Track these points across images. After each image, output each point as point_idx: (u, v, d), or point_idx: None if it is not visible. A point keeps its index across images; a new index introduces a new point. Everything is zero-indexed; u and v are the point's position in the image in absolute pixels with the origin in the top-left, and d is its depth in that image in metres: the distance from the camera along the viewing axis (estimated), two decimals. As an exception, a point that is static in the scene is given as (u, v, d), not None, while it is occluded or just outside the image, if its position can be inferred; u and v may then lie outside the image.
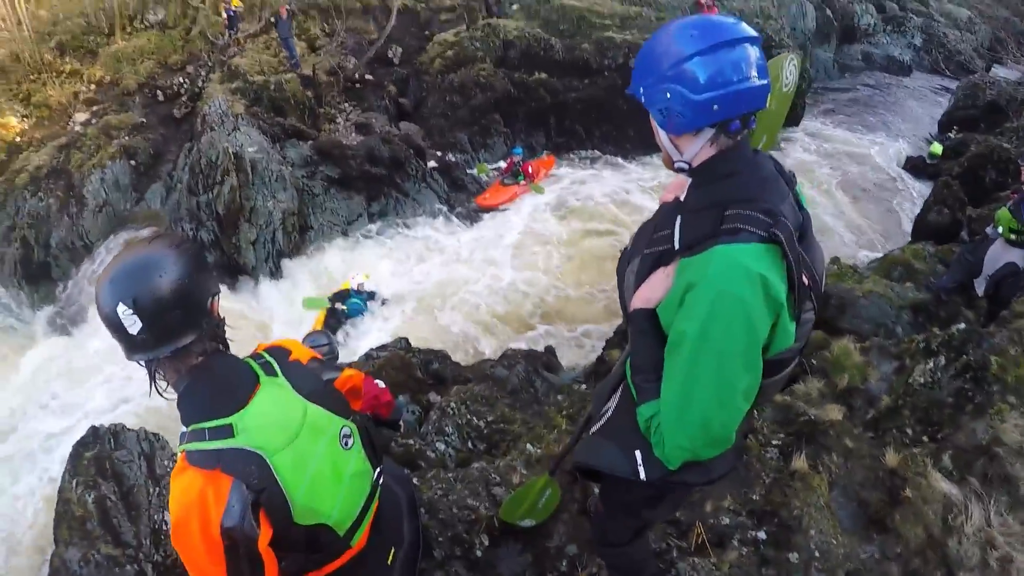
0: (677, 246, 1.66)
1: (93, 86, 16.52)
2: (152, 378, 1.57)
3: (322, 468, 1.63)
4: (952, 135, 15.46)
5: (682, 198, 1.76)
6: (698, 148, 1.64)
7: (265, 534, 1.50)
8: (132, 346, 1.50)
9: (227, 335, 1.70)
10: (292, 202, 12.48)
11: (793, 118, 17.04)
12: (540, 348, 8.13)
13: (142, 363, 1.56)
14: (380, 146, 13.54)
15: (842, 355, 4.67)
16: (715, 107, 1.54)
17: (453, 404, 5.11)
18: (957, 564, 3.06)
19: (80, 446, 5.47)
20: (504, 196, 13.87)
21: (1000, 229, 6.15)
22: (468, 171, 14.72)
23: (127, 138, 14.35)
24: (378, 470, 1.90)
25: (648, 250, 1.76)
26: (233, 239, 12.05)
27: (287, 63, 15.53)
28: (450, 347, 9.17)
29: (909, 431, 3.84)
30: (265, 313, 11.54)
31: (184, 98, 15.45)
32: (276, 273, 12.08)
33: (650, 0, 17.22)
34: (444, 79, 15.82)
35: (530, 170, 14.12)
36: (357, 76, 15.64)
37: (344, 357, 8.76)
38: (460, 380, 6.55)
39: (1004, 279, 6.15)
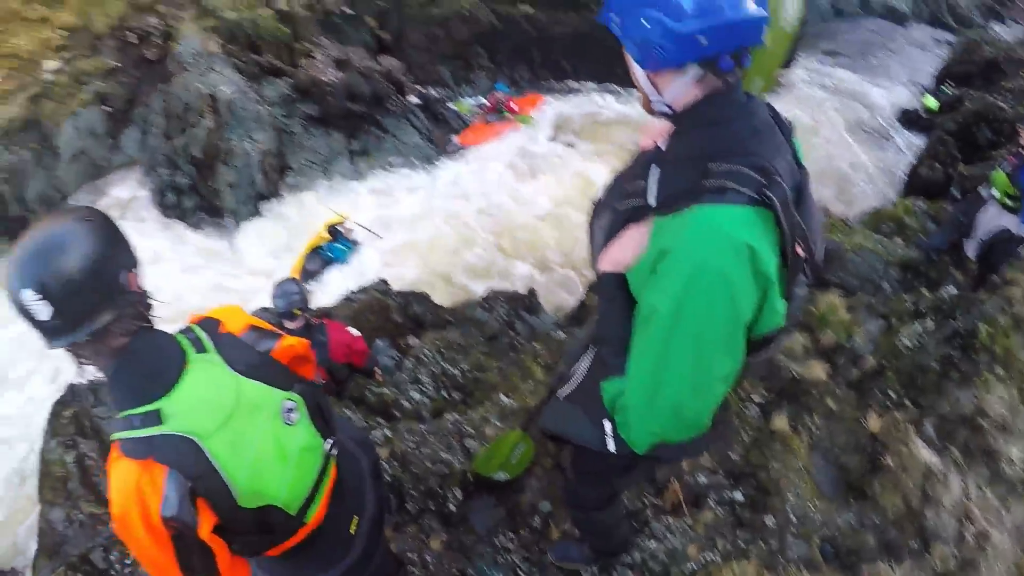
0: (652, 202, 1.43)
1: (63, 32, 15.99)
2: (77, 362, 1.46)
3: (264, 447, 1.55)
4: (948, 89, 14.85)
5: (662, 146, 1.51)
6: (682, 89, 1.41)
7: (206, 522, 1.44)
8: (47, 333, 1.38)
9: (153, 308, 1.57)
10: (270, 142, 12.20)
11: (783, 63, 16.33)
12: (523, 290, 7.96)
13: (65, 350, 1.44)
14: (360, 82, 13.12)
15: (828, 311, 4.51)
16: (702, 40, 1.30)
17: (428, 351, 5.05)
18: (934, 536, 2.94)
19: (59, 404, 5.45)
20: (488, 134, 13.47)
21: (996, 193, 5.85)
22: (450, 106, 14.30)
23: (100, 84, 13.90)
24: (330, 441, 1.79)
25: (619, 204, 1.52)
26: (210, 182, 11.83)
27: None
28: (431, 288, 9.08)
29: (892, 394, 3.71)
30: (244, 255, 11.43)
31: (156, 39, 14.91)
32: (255, 215, 11.86)
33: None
34: (426, 11, 15.24)
35: (514, 107, 13.66)
36: (335, 9, 15.07)
37: (323, 300, 8.65)
38: (440, 323, 6.57)
39: (996, 244, 5.87)
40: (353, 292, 7.40)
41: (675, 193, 1.37)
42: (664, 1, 1.31)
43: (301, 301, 4.38)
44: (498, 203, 11.95)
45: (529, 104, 14.16)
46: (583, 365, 1.86)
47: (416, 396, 4.72)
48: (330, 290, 9.93)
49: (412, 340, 6.15)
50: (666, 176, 1.43)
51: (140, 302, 1.50)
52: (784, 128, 1.50)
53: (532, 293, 7.72)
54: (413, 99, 13.86)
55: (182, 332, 1.60)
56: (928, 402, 3.56)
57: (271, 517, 1.59)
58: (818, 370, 3.89)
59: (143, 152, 12.85)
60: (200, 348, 1.56)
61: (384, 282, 7.55)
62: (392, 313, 6.60)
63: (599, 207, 1.64)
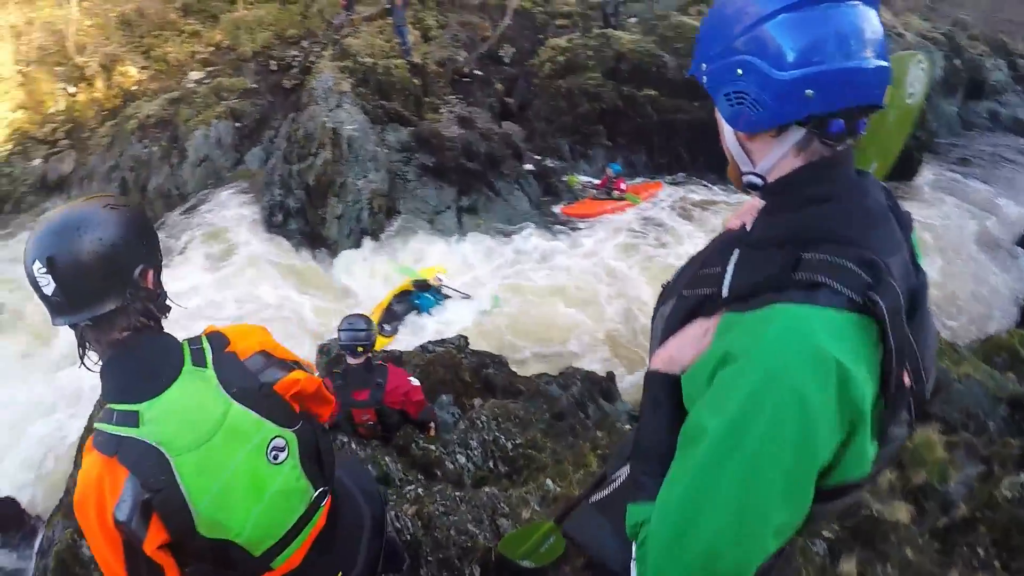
0: (725, 292, 1.13)
1: (211, 48, 17.00)
2: (81, 346, 1.46)
3: (237, 479, 1.46)
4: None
5: (749, 226, 1.22)
6: (778, 156, 1.14)
7: (155, 538, 1.37)
8: (50, 308, 1.40)
9: (168, 310, 1.56)
10: (383, 184, 12.41)
11: (908, 171, 15.89)
12: (604, 371, 7.69)
13: (70, 327, 1.44)
14: (479, 141, 13.33)
15: (924, 446, 4.13)
16: (808, 92, 1.05)
17: (485, 417, 4.90)
18: None
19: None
20: (593, 210, 13.40)
21: None
22: (563, 178, 14.34)
23: (236, 101, 14.65)
24: (321, 490, 1.67)
25: (687, 291, 1.23)
26: (320, 211, 12.08)
27: (399, 49, 15.54)
28: (512, 352, 8.97)
29: (981, 552, 3.31)
30: (333, 285, 11.58)
31: (296, 70, 15.66)
32: (354, 249, 12.03)
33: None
34: (552, 84, 15.54)
35: (623, 187, 13.58)
36: (466, 70, 15.54)
37: (403, 346, 8.58)
38: (511, 390, 6.36)
39: None
40: (431, 343, 7.31)
41: (754, 284, 1.08)
42: (763, 44, 1.07)
43: (366, 339, 4.36)
44: (595, 279, 11.75)
45: (644, 189, 14.05)
46: (624, 472, 1.53)
47: (462, 460, 4.55)
48: (409, 337, 9.85)
49: (478, 402, 5.97)
50: (746, 262, 1.13)
51: (152, 300, 1.48)
52: (902, 220, 1.20)
53: (611, 376, 7.43)
54: (528, 166, 13.97)
55: (190, 341, 1.54)
56: (1021, 566, 3.15)
57: (230, 553, 1.49)
58: (902, 512, 3.50)
59: (262, 169, 13.30)
60: (199, 361, 1.48)
61: (464, 339, 7.42)
62: (463, 371, 6.45)
63: (667, 291, 1.34)
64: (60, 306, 1.38)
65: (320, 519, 1.69)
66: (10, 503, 7.34)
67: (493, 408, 5.14)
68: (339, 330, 4.43)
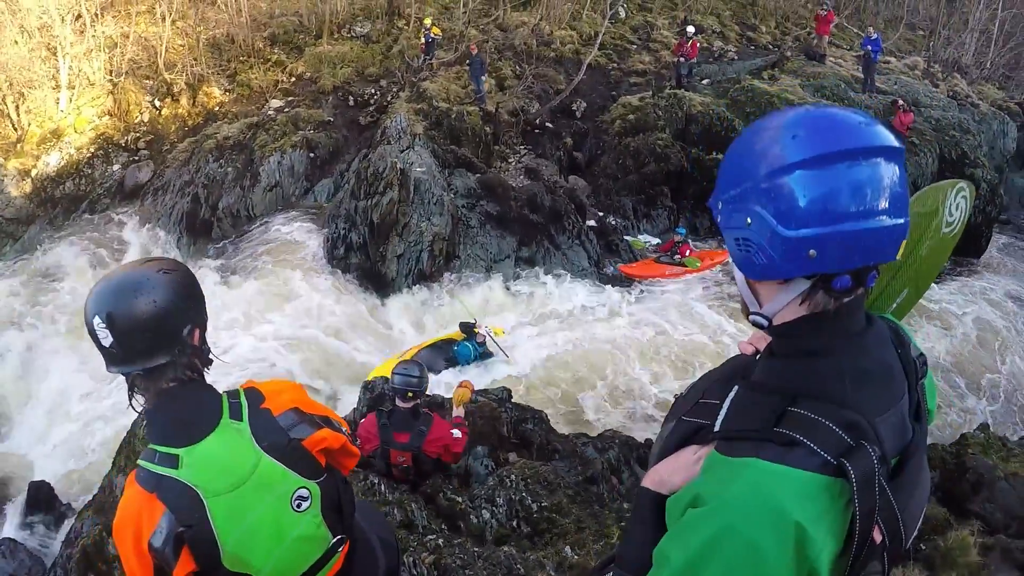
0: (717, 428, 1.16)
1: (293, 79, 17.59)
2: (130, 390, 1.60)
3: (262, 523, 1.60)
4: None
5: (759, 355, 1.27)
6: (783, 303, 1.14)
7: (184, 566, 1.51)
8: (106, 357, 1.55)
9: (211, 364, 1.70)
10: (445, 228, 12.53)
11: (974, 249, 15.47)
12: (643, 437, 7.53)
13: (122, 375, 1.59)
14: (544, 194, 13.42)
15: (957, 548, 3.95)
16: (811, 252, 1.04)
17: (514, 476, 4.90)
18: None
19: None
20: (653, 272, 13.29)
21: None
22: (625, 237, 14.30)
23: (312, 132, 15.07)
24: (339, 538, 1.80)
25: (687, 417, 1.28)
26: (381, 248, 12.24)
27: (473, 96, 15.84)
28: (554, 409, 8.85)
29: None
30: (383, 323, 11.71)
31: (372, 108, 16.06)
32: (410, 289, 12.14)
33: (844, 96, 16.30)
34: (621, 141, 15.63)
35: (688, 252, 13.47)
36: (538, 121, 15.75)
37: (444, 390, 8.55)
38: (547, 448, 6.31)
39: None
40: (474, 394, 7.26)
41: (742, 427, 1.11)
42: (773, 198, 1.05)
43: (418, 385, 4.46)
44: (648, 342, 11.60)
45: (709, 256, 13.88)
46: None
47: (486, 515, 4.55)
48: (453, 383, 9.82)
49: (512, 456, 5.93)
50: (741, 402, 1.16)
51: (197, 356, 1.62)
52: (909, 368, 1.20)
53: (649, 443, 7.26)
54: (590, 222, 13.98)
55: (228, 395, 1.66)
56: None
57: None
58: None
59: (330, 202, 13.56)
60: (236, 415, 1.61)
61: (507, 391, 7.35)
62: (501, 425, 6.39)
63: (674, 408, 1.37)
64: (115, 357, 1.53)
65: (336, 563, 1.81)
66: (44, 486, 7.64)
67: (524, 468, 5.14)
68: (393, 373, 4.52)
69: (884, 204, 1.02)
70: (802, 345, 1.13)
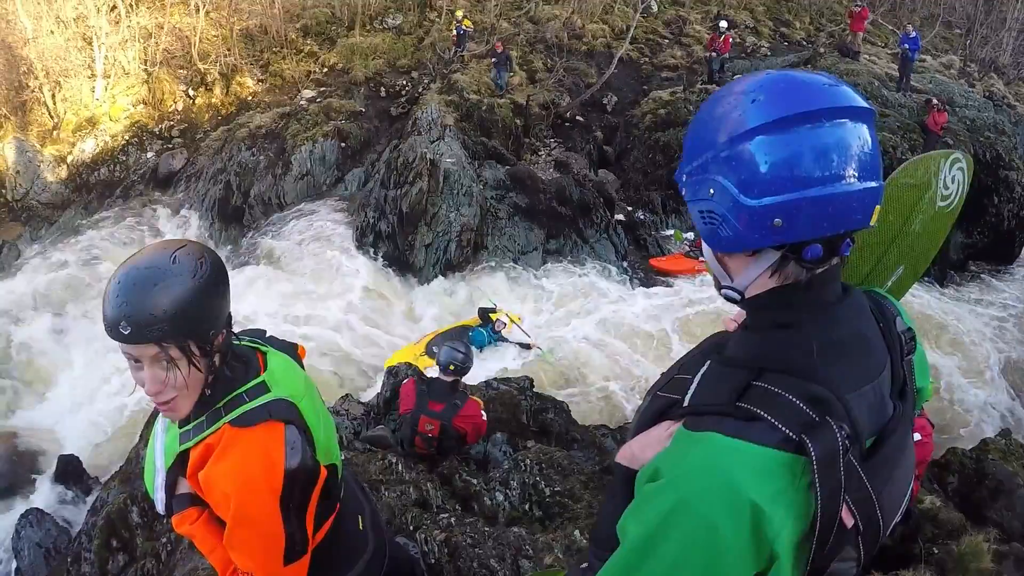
0: (686, 403, 1.10)
1: (325, 70, 17.71)
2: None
3: (326, 419, 1.78)
4: None
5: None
6: (754, 275, 1.09)
7: (321, 477, 1.62)
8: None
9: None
10: (474, 218, 12.56)
11: (1006, 254, 15.15)
12: None
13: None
14: (573, 187, 13.38)
15: (970, 553, 3.91)
16: (776, 221, 0.97)
17: (529, 461, 4.93)
18: None
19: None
20: (681, 266, 13.20)
21: None
22: (653, 232, 14.20)
23: (343, 122, 15.15)
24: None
25: (661, 392, 1.22)
26: (410, 238, 12.30)
27: (496, 91, 15.80)
28: (575, 401, 8.82)
29: None
30: (408, 310, 11.84)
31: (403, 99, 16.12)
32: (437, 279, 12.21)
33: (878, 95, 16.04)
34: (651, 136, 15.53)
35: (721, 251, 13.33)
36: (568, 115, 15.69)
37: (469, 379, 8.63)
38: (566, 438, 6.35)
39: None
40: (496, 380, 7.29)
41: (708, 402, 1.05)
42: (734, 166, 1.00)
43: (461, 362, 4.70)
44: (674, 336, 11.54)
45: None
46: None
47: (499, 498, 4.62)
48: (476, 370, 9.87)
49: (531, 444, 5.96)
50: (710, 377, 1.10)
51: (221, 354, 1.59)
52: (893, 342, 1.14)
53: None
54: (619, 216, 13.92)
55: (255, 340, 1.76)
56: None
57: (330, 478, 1.73)
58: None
59: (360, 191, 13.64)
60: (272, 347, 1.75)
61: (529, 380, 7.36)
62: (522, 413, 6.41)
63: (656, 384, 1.29)
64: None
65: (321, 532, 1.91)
66: (73, 460, 7.85)
67: (539, 453, 5.16)
68: (441, 348, 4.80)
69: (852, 167, 0.97)
70: (772, 318, 1.08)
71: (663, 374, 1.31)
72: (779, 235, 0.98)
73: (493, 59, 15.74)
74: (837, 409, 0.98)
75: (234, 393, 1.58)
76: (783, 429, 0.96)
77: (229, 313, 1.60)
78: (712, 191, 1.03)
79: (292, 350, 1.86)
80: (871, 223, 1.01)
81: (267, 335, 1.86)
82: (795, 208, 0.96)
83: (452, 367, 4.65)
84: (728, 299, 1.14)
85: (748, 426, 0.97)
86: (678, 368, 1.24)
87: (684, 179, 1.10)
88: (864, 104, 0.99)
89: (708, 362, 1.13)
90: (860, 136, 0.98)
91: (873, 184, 0.99)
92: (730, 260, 1.11)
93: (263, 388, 1.60)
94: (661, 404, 1.19)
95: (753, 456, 0.96)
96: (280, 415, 1.57)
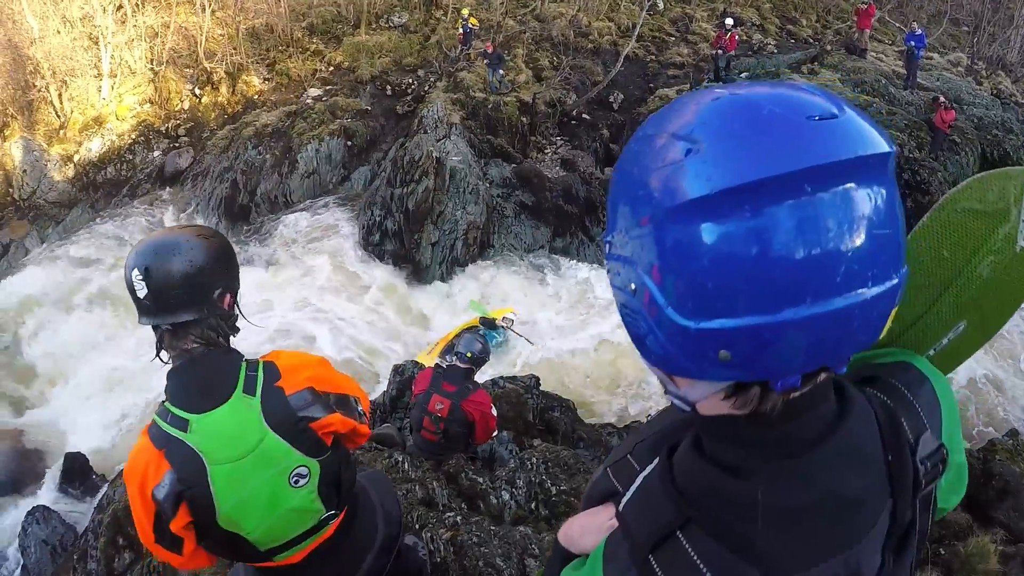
0: (621, 507, 0.85)
1: (331, 68, 17.69)
2: (158, 343, 1.68)
3: (258, 494, 1.68)
4: None
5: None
6: (705, 392, 0.73)
7: (180, 520, 1.61)
8: (139, 308, 1.63)
9: (238, 332, 1.78)
10: (480, 217, 12.53)
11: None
12: None
13: (152, 328, 1.67)
14: (579, 185, 13.35)
15: (977, 554, 3.87)
16: (723, 353, 0.64)
17: (535, 460, 4.95)
18: None
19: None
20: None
21: None
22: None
23: (349, 120, 15.14)
24: (331, 512, 1.88)
25: (611, 468, 0.98)
26: (416, 236, 12.27)
27: (491, 90, 15.66)
28: (581, 402, 8.80)
29: None
30: (414, 308, 11.80)
31: (409, 97, 16.10)
32: (443, 277, 12.18)
33: (884, 92, 15.92)
34: (659, 140, 15.43)
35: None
36: (574, 113, 15.64)
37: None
38: (572, 437, 6.34)
39: None
40: (503, 378, 7.27)
41: (627, 531, 0.81)
42: (661, 258, 0.64)
43: (479, 352, 4.87)
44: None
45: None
46: None
47: (505, 496, 4.62)
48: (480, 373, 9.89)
49: (537, 442, 5.94)
50: (643, 494, 0.84)
51: (225, 319, 1.70)
52: (902, 481, 0.79)
53: None
54: (625, 215, 13.85)
55: (248, 366, 1.71)
56: None
57: (239, 543, 1.72)
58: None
59: (366, 190, 13.62)
60: (249, 390, 1.67)
61: (535, 379, 7.34)
62: (528, 411, 6.39)
63: (613, 454, 1.04)
64: (147, 309, 1.61)
65: (328, 531, 1.91)
66: (79, 457, 7.90)
67: (545, 452, 5.16)
68: (459, 338, 5.07)
69: (857, 266, 0.60)
70: (719, 455, 0.76)
71: (631, 434, 1.08)
72: (730, 371, 0.66)
73: (486, 60, 15.65)
74: None
75: (167, 405, 1.66)
76: None
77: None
78: (633, 286, 0.68)
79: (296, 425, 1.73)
80: (880, 337, 0.67)
81: (276, 383, 1.71)
82: (753, 338, 0.62)
83: (470, 355, 4.81)
84: (676, 407, 0.81)
85: None
86: (632, 445, 0.98)
87: (608, 245, 0.76)
88: (880, 146, 0.62)
89: (655, 464, 0.86)
90: (875, 210, 0.61)
91: (891, 283, 0.64)
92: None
93: (183, 425, 1.62)
94: (607, 487, 0.96)
95: None
96: (172, 458, 1.61)
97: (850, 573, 0.74)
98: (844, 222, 0.59)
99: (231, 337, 1.76)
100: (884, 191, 0.62)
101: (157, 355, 1.70)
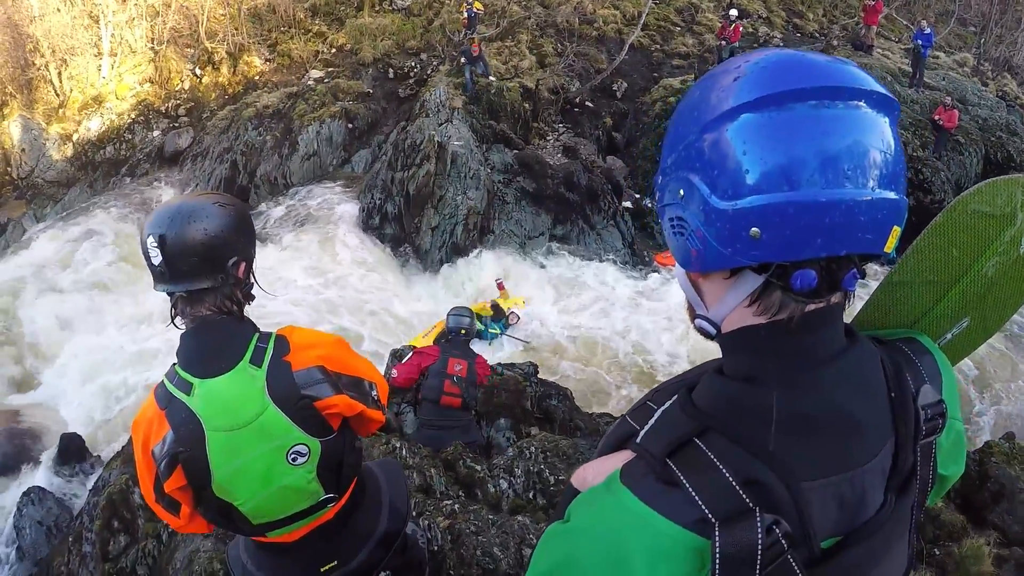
0: (638, 439, 0.90)
1: (333, 50, 17.55)
2: (172, 309, 1.68)
3: (253, 466, 1.66)
4: None
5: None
6: (731, 304, 0.85)
7: (174, 482, 1.62)
8: (154, 275, 1.63)
9: (252, 299, 1.79)
10: (480, 202, 12.48)
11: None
12: None
13: (167, 295, 1.69)
14: (581, 172, 13.25)
15: (971, 556, 3.87)
16: (753, 231, 0.75)
17: (533, 449, 4.92)
18: None
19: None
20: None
21: None
22: (660, 220, 14.11)
23: (351, 103, 15.04)
24: (330, 495, 1.85)
25: (630, 416, 1.02)
26: (416, 220, 12.24)
27: (468, 86, 14.86)
28: (579, 390, 8.78)
29: None
30: (413, 292, 11.81)
31: (411, 81, 15.98)
32: (443, 262, 12.15)
33: (891, 91, 15.79)
34: (661, 123, 15.35)
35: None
36: (577, 100, 15.54)
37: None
38: (569, 425, 6.30)
39: None
40: (500, 364, 7.27)
41: (645, 448, 0.86)
42: (708, 158, 0.78)
43: (468, 325, 5.22)
44: (678, 327, 11.45)
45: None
46: None
47: (503, 485, 4.61)
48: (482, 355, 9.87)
49: (534, 431, 5.94)
50: (664, 418, 0.90)
51: (239, 287, 1.70)
52: (904, 420, 0.87)
53: None
54: (627, 203, 13.80)
55: (259, 338, 1.70)
56: None
57: (232, 513, 1.71)
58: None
59: (367, 173, 13.55)
60: (256, 361, 1.66)
61: (534, 366, 7.32)
62: (525, 399, 6.38)
63: (634, 405, 1.10)
64: (162, 275, 1.61)
65: (327, 514, 1.88)
66: (75, 438, 7.82)
67: (543, 441, 5.12)
68: (448, 315, 5.28)
69: (864, 166, 0.74)
70: (739, 365, 0.86)
71: (648, 392, 1.12)
72: (758, 250, 0.76)
73: (463, 59, 15.03)
74: (779, 498, 0.78)
75: (175, 367, 1.67)
76: (702, 508, 0.77)
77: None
78: (681, 192, 0.81)
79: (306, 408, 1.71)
80: (886, 249, 0.78)
81: (284, 357, 1.71)
82: (779, 214, 0.74)
83: (463, 331, 5.18)
84: (701, 332, 0.92)
85: (665, 492, 0.80)
86: (652, 393, 1.05)
87: (659, 181, 0.89)
88: (884, 91, 0.77)
89: (675, 397, 0.93)
90: (878, 129, 0.76)
91: (891, 195, 0.76)
92: (705, 283, 0.90)
93: (187, 388, 1.63)
94: (625, 431, 1.00)
95: (656, 534, 0.78)
96: (173, 419, 1.62)
97: (855, 495, 0.83)
98: (853, 129, 0.75)
99: (245, 306, 1.76)
100: (887, 121, 0.78)
101: (172, 321, 1.70)
